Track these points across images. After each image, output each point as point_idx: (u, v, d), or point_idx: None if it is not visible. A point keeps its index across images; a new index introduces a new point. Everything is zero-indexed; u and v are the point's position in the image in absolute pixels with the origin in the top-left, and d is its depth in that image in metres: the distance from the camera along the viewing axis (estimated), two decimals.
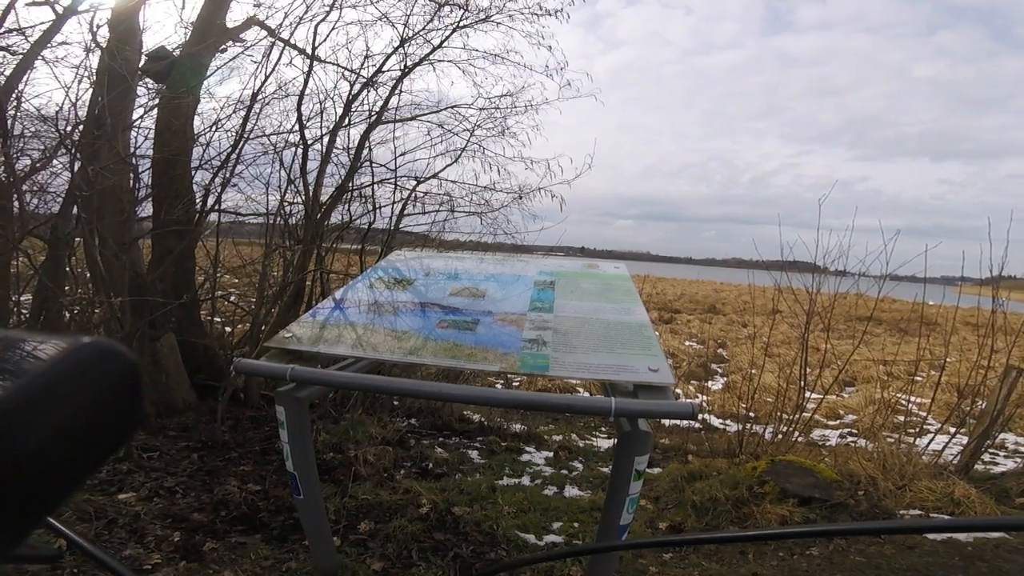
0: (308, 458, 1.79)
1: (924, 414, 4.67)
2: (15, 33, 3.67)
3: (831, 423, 5.31)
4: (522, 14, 4.42)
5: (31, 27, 3.69)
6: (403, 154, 4.58)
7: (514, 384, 5.84)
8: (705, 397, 5.76)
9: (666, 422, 4.71)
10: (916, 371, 4.65)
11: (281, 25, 4.25)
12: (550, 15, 4.43)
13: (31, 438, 0.24)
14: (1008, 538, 2.54)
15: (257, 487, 2.65)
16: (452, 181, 4.67)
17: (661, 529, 2.61)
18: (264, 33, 4.30)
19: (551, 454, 3.73)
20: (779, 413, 4.03)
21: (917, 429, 4.23)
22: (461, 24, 4.35)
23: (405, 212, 4.62)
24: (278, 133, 4.34)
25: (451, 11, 4.33)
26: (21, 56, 3.67)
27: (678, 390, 6.15)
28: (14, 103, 3.57)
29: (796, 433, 3.93)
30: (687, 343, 9.28)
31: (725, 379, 6.52)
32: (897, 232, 4.16)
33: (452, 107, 4.69)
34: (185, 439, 3.18)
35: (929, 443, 3.87)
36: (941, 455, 3.69)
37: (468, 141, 4.60)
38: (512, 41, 4.52)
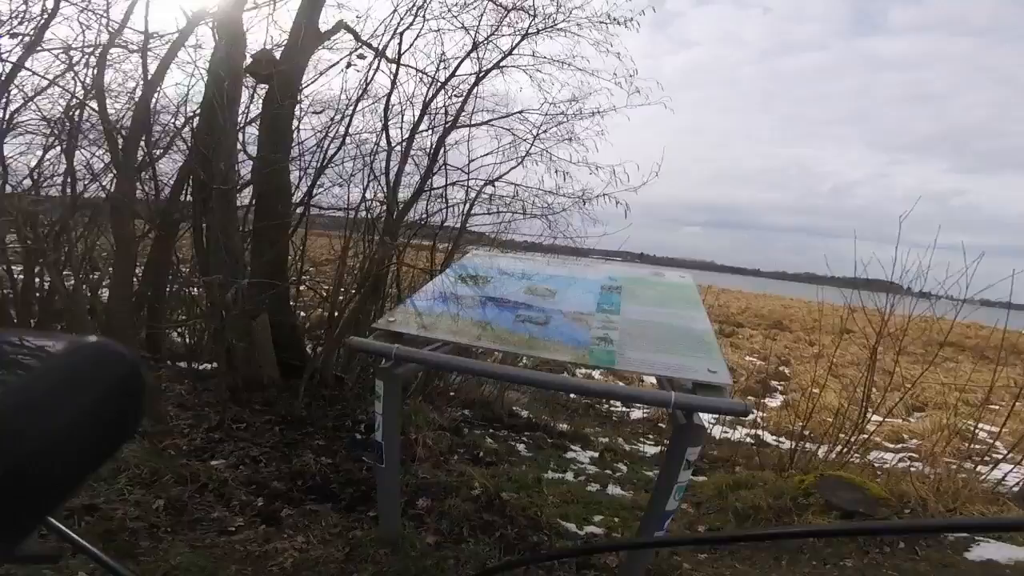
0: (395, 431, 2.07)
1: (992, 441, 4.41)
2: (153, 37, 4.22)
3: (892, 446, 5.10)
4: (589, 21, 4.49)
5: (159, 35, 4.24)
6: (475, 159, 4.84)
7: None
8: (762, 414, 5.67)
9: (717, 435, 4.80)
10: (989, 398, 4.37)
11: (367, 32, 4.63)
12: (619, 23, 4.48)
13: (32, 438, 0.23)
14: None
15: (329, 460, 2.90)
16: (518, 184, 4.81)
17: (700, 531, 2.71)
18: (351, 38, 4.70)
19: (596, 454, 3.88)
20: (837, 433, 3.96)
21: (983, 457, 4.03)
22: (529, 31, 4.51)
23: (472, 212, 4.88)
24: (360, 134, 4.74)
25: (519, 18, 4.50)
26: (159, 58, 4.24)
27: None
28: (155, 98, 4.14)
29: (852, 453, 3.86)
30: (748, 358, 9.04)
31: (784, 397, 6.36)
32: (981, 254, 3.93)
33: (520, 112, 4.87)
34: (269, 413, 3.47)
35: (991, 470, 3.68)
36: (1001, 482, 3.52)
37: (532, 145, 4.74)
38: (579, 46, 4.61)
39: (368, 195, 4.75)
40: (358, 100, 4.49)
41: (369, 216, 4.72)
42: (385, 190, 4.69)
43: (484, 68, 4.62)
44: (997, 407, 4.55)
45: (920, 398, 6.44)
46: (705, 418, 5.14)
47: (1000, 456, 3.91)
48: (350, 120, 4.63)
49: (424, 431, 3.42)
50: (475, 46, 4.54)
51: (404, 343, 1.93)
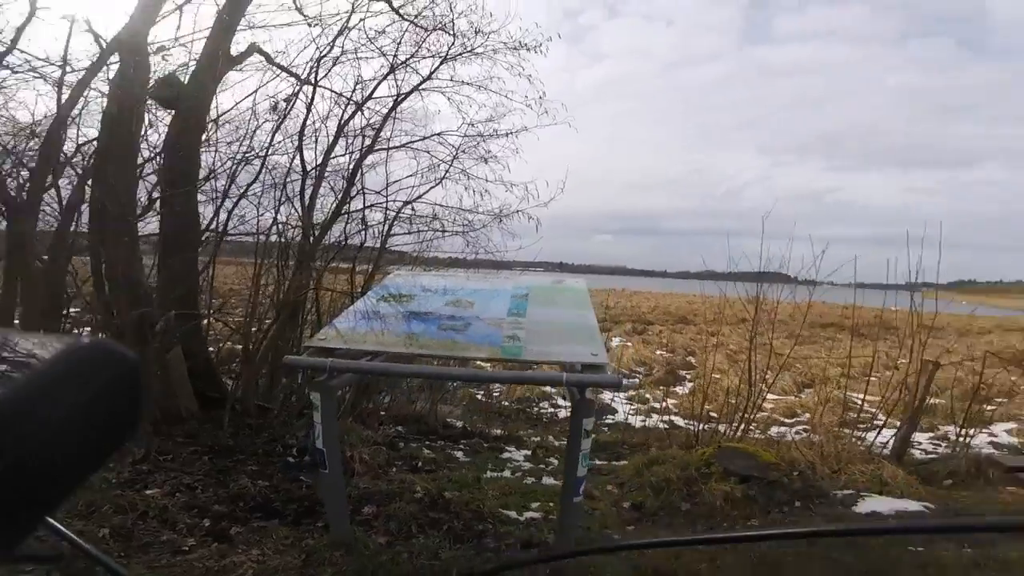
0: (335, 438, 2.27)
1: (874, 410, 5.11)
2: (59, 65, 3.96)
3: (787, 420, 5.75)
4: (505, 46, 4.72)
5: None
6: (395, 181, 4.91)
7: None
8: (672, 401, 6.17)
9: (636, 424, 5.25)
10: (871, 372, 5.07)
11: (288, 59, 4.61)
12: (528, 49, 4.74)
13: (32, 438, 0.23)
14: (927, 511, 2.98)
15: (266, 483, 2.95)
16: (437, 204, 4.90)
17: (624, 507, 3.01)
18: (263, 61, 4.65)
19: (529, 452, 4.13)
20: (735, 412, 4.43)
21: (867, 424, 4.68)
22: (448, 56, 4.69)
23: (392, 232, 4.93)
24: (271, 156, 4.68)
25: (439, 40, 4.66)
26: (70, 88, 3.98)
27: (628, 381, 6.88)
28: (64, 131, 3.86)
29: (751, 429, 4.36)
30: (658, 352, 9.72)
31: (691, 384, 6.97)
32: (827, 244, 4.61)
33: (438, 135, 5.00)
34: (193, 444, 3.43)
35: (876, 435, 4.28)
36: (874, 443, 4.13)
37: (451, 166, 4.85)
38: (495, 68, 4.82)
39: (281, 219, 4.69)
40: (277, 127, 4.45)
41: (283, 241, 4.66)
42: (300, 214, 4.65)
43: (403, 91, 4.73)
44: (875, 378, 5.25)
45: (808, 375, 7.27)
46: (621, 409, 5.53)
47: (879, 423, 4.55)
48: (268, 147, 4.57)
49: (359, 448, 3.49)
50: (392, 69, 4.65)
51: (337, 357, 2.14)
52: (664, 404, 5.88)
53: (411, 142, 4.95)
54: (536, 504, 3.00)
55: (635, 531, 2.72)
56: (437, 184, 4.89)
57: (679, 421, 5.30)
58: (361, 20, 4.58)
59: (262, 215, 4.71)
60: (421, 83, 4.75)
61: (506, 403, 5.92)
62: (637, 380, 7.39)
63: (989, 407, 5.91)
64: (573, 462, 1.99)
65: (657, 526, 2.74)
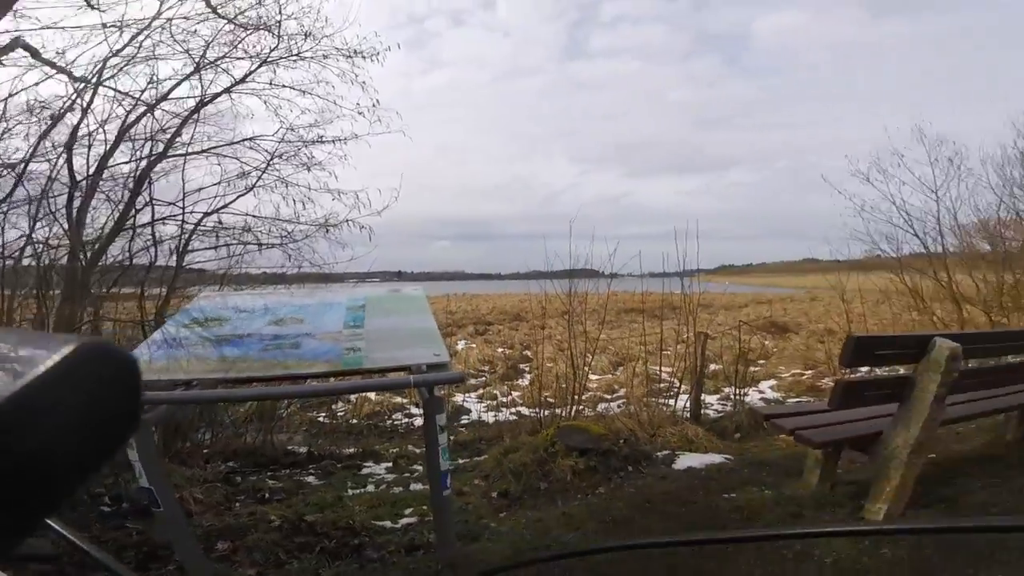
0: (161, 473, 2.03)
1: (672, 380, 6.07)
2: None
3: (608, 396, 6.52)
4: (338, 51, 4.45)
5: None
6: (197, 190, 4.30)
7: None
8: (516, 393, 6.55)
9: (489, 420, 5.49)
10: (662, 347, 5.99)
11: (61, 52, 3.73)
12: (364, 57, 4.52)
13: (31, 438, 0.23)
14: (728, 461, 3.59)
15: (87, 534, 2.43)
16: (249, 214, 4.43)
17: (493, 497, 3.12)
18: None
19: (391, 464, 4.03)
20: (567, 395, 4.90)
21: (669, 392, 5.54)
22: (270, 59, 4.29)
23: (190, 248, 4.33)
24: (29, 164, 3.77)
25: (260, 41, 4.23)
26: None
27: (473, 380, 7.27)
28: None
29: (582, 408, 4.86)
30: (500, 350, 10.19)
31: (530, 375, 7.47)
32: (617, 242, 5.41)
33: (251, 139, 4.53)
34: None
35: (676, 401, 5.11)
36: (676, 408, 4.93)
37: (264, 172, 4.42)
38: (325, 73, 4.51)
39: (40, 238, 3.79)
40: (46, 132, 3.56)
41: (43, 263, 3.79)
42: (66, 230, 3.82)
43: (211, 93, 4.18)
44: (669, 352, 6.24)
45: (619, 355, 8.30)
46: (474, 408, 5.68)
47: (676, 390, 5.41)
48: (30, 155, 3.64)
49: (187, 488, 3.09)
50: (199, 68, 4.07)
51: (146, 389, 1.81)
52: (510, 397, 6.20)
53: (216, 147, 4.41)
54: (409, 510, 2.98)
55: (505, 516, 2.84)
56: (247, 192, 4.43)
57: (525, 411, 5.65)
58: (168, 20, 3.94)
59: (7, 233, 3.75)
60: (234, 85, 4.27)
61: (354, 421, 5.64)
62: (485, 378, 7.66)
63: (754, 368, 7.46)
64: (435, 458, 2.04)
65: (524, 507, 2.91)
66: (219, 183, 4.37)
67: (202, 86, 4.21)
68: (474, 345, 11.32)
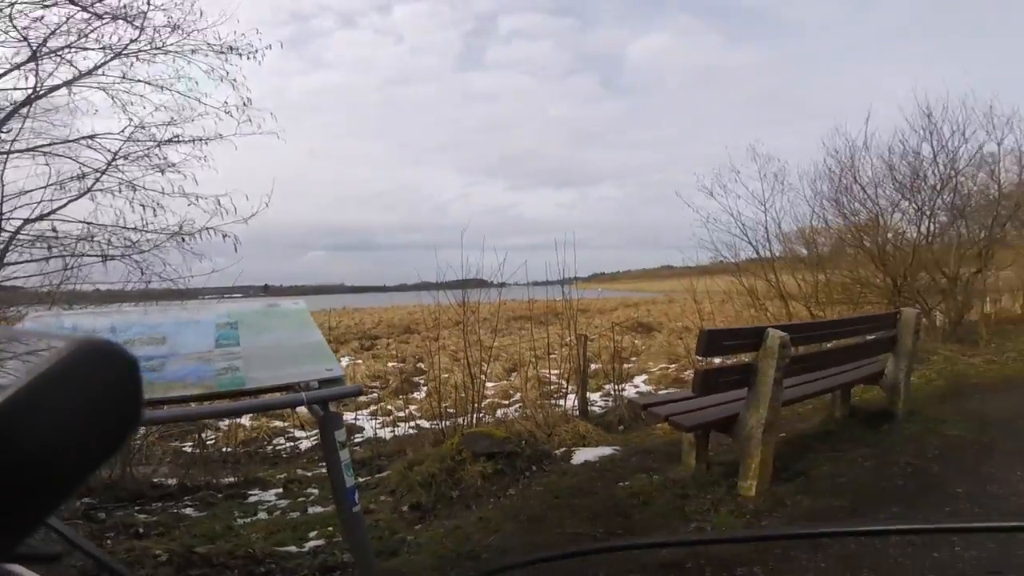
0: None
1: (562, 381, 6.46)
2: None
3: (506, 402, 6.75)
4: (209, 46, 4.07)
5: None
6: (16, 195, 3.65)
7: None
8: (413, 407, 6.48)
9: (387, 436, 5.36)
10: (549, 351, 6.35)
11: None
12: (240, 55, 4.20)
13: (32, 438, 0.23)
14: (617, 452, 3.88)
15: None
16: (84, 221, 3.88)
17: (404, 510, 3.08)
18: None
19: (281, 489, 3.76)
20: (469, 403, 4.99)
21: (559, 393, 5.89)
22: (127, 52, 3.80)
23: (5, 261, 3.69)
24: None
25: (116, 31, 3.72)
26: None
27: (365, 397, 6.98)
28: None
29: (484, 415, 4.99)
30: (390, 364, 9.96)
31: (427, 387, 7.43)
32: (506, 253, 5.72)
33: (90, 137, 3.96)
34: None
35: (566, 400, 5.45)
36: (566, 407, 5.28)
37: (103, 174, 3.90)
38: (190, 68, 4.12)
39: None
40: None
41: None
42: None
43: (49, 85, 3.59)
44: (556, 355, 6.63)
45: (511, 361, 8.59)
46: (368, 426, 5.52)
47: (565, 390, 5.77)
48: None
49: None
50: (34, 57, 3.49)
51: None
52: (407, 411, 6.11)
53: (46, 146, 3.80)
54: (314, 533, 2.84)
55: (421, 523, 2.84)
56: (81, 196, 3.88)
57: (425, 423, 5.62)
58: (10, 4, 3.35)
59: None
60: (78, 77, 3.75)
61: (228, 449, 5.16)
62: (376, 394, 7.45)
63: (627, 365, 8.20)
64: (338, 475, 1.95)
65: (439, 517, 2.93)
66: (47, 187, 3.78)
67: (38, 77, 3.63)
68: (360, 361, 10.91)
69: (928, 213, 8.27)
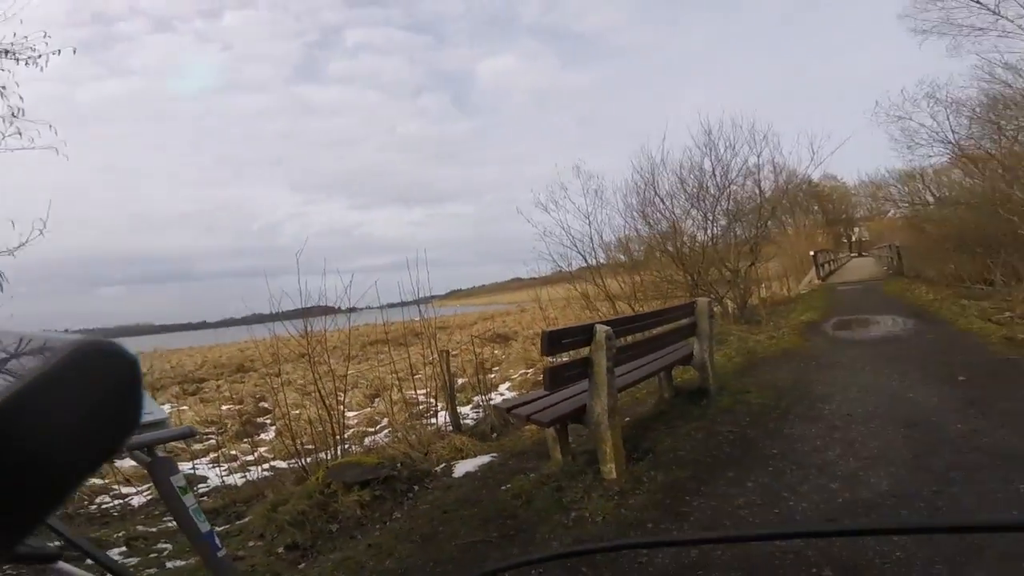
0: None
1: (431, 399, 6.42)
2: None
3: (372, 428, 6.47)
4: None
5: None
6: None
7: None
8: (263, 448, 5.86)
9: (237, 482, 4.72)
10: (413, 372, 6.31)
11: None
12: (18, 60, 3.54)
13: (32, 438, 0.23)
14: (495, 459, 3.94)
15: None
16: None
17: (281, 552, 2.82)
18: None
19: (125, 548, 3.15)
20: (329, 436, 4.68)
21: (429, 411, 5.84)
22: None
23: None
24: None
25: None
26: None
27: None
28: None
29: (349, 446, 4.73)
30: (225, 407, 8.84)
31: (274, 426, 6.78)
32: (352, 275, 5.57)
33: None
34: None
35: (437, 417, 5.42)
36: (439, 424, 5.28)
37: None
38: None
39: None
40: None
41: None
42: None
43: None
44: (421, 375, 6.57)
45: (373, 387, 8.29)
46: (211, 474, 4.84)
47: (435, 408, 5.73)
48: None
49: None
50: None
51: None
52: (257, 453, 5.49)
53: None
54: None
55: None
56: None
57: (280, 463, 5.11)
58: None
59: None
60: None
61: None
62: (214, 440, 6.53)
63: (491, 375, 8.48)
64: (189, 523, 1.73)
65: (323, 552, 2.71)
66: None
67: None
68: (186, 407, 9.48)
69: (711, 218, 10.10)
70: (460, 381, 7.17)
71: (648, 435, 3.80)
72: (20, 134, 3.67)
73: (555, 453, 3.56)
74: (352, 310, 5.49)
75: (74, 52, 3.89)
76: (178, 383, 12.65)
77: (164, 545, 3.25)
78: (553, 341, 3.11)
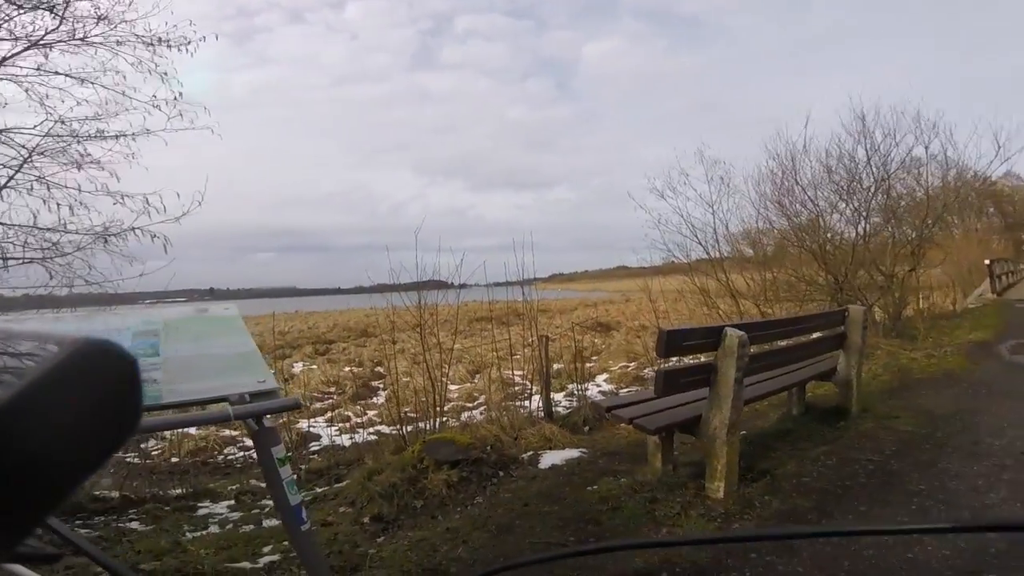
0: None
1: (527, 383, 6.39)
2: None
3: (470, 404, 6.63)
4: (137, 38, 3.77)
5: None
6: None
7: None
8: (372, 412, 6.27)
9: (347, 444, 5.12)
10: (511, 352, 6.30)
11: None
12: (170, 47, 3.92)
13: (32, 437, 0.23)
14: (584, 455, 3.84)
15: None
16: None
17: (365, 522, 2.92)
18: None
19: (232, 501, 3.56)
20: (431, 407, 4.85)
21: (523, 394, 5.81)
22: (43, 42, 3.46)
23: None
24: None
25: (34, 21, 3.39)
26: None
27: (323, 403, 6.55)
28: None
29: (446, 419, 4.86)
30: (347, 369, 9.65)
31: (386, 392, 7.22)
32: (464, 253, 5.63)
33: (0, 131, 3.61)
34: None
35: (530, 402, 5.38)
36: (531, 409, 5.22)
37: (18, 171, 3.58)
38: (116, 61, 3.80)
39: None
40: None
41: None
42: None
43: None
44: (519, 356, 6.57)
45: (474, 363, 8.49)
46: (324, 433, 5.28)
47: (530, 392, 5.70)
48: None
49: None
50: None
51: None
52: (366, 417, 5.89)
53: None
54: (268, 548, 2.66)
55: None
56: None
57: (385, 429, 5.43)
58: None
59: None
60: None
61: (175, 459, 4.84)
62: (332, 400, 7.16)
63: (589, 364, 8.26)
64: (281, 495, 1.78)
65: (403, 528, 2.79)
66: None
67: None
68: (315, 367, 10.51)
69: (864, 214, 8.73)
70: (556, 367, 7.05)
71: (767, 454, 3.39)
72: (181, 116, 4.11)
73: (655, 461, 3.27)
74: (462, 286, 5.70)
75: (216, 38, 4.31)
76: (312, 343, 14.09)
77: (267, 502, 3.56)
78: (672, 342, 2.82)
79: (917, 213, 8.97)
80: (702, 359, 3.60)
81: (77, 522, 3.22)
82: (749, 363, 2.97)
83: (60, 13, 3.49)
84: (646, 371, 7.85)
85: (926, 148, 8.63)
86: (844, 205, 8.87)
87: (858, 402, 4.16)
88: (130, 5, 3.74)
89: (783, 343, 4.30)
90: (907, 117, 8.58)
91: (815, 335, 4.32)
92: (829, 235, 8.95)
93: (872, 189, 8.64)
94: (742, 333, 2.87)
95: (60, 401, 0.25)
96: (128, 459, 4.63)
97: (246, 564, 2.48)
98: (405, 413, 4.91)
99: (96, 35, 3.67)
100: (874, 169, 8.61)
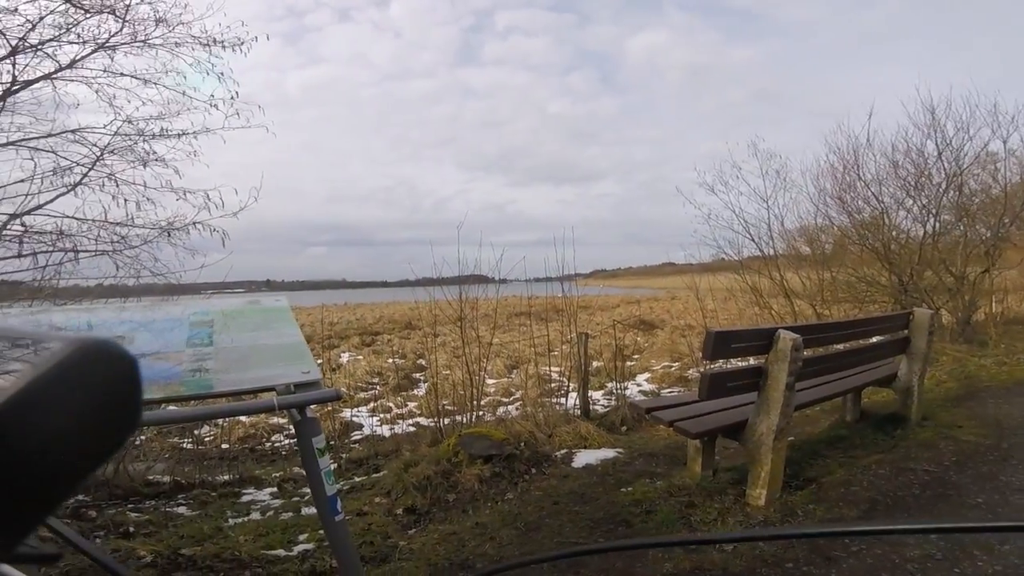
0: None
1: (563, 379, 6.35)
2: None
3: (506, 399, 6.65)
4: (194, 39, 3.97)
5: None
6: (3, 186, 3.57)
7: None
8: (413, 404, 6.40)
9: (386, 434, 5.31)
10: (549, 348, 6.26)
11: None
12: (225, 47, 4.09)
13: (32, 438, 0.23)
14: (620, 455, 3.80)
15: None
16: (69, 216, 3.76)
17: (399, 513, 2.98)
18: None
19: (275, 489, 3.71)
20: (468, 401, 4.90)
21: (560, 391, 5.78)
22: (108, 44, 3.71)
23: None
24: None
25: (99, 25, 3.65)
26: None
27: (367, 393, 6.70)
28: None
29: (482, 413, 4.89)
30: (391, 360, 9.88)
31: (426, 384, 7.35)
32: (503, 249, 5.60)
33: (75, 131, 3.84)
34: None
35: (567, 399, 5.34)
36: (567, 406, 5.17)
37: (91, 168, 3.79)
38: (176, 62, 4.01)
39: None
40: None
41: None
42: None
43: (24, 79, 3.50)
44: (557, 352, 6.54)
45: (512, 358, 8.50)
46: (366, 422, 5.43)
47: (567, 389, 5.67)
48: None
49: None
50: (13, 52, 3.42)
51: None
52: (406, 408, 6.03)
53: (27, 140, 3.70)
54: (304, 536, 2.76)
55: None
56: (70, 191, 3.77)
57: (423, 421, 5.53)
58: None
59: None
60: (57, 71, 3.63)
61: (225, 445, 5.09)
62: (376, 390, 7.37)
63: (629, 363, 8.10)
64: (318, 484, 1.84)
65: (434, 521, 2.84)
66: (24, 180, 3.67)
67: (14, 71, 3.55)
68: (360, 357, 10.84)
69: (934, 211, 8.13)
70: (595, 364, 6.95)
71: (815, 462, 3.23)
72: (238, 114, 4.28)
73: (694, 465, 3.18)
74: (503, 281, 5.73)
75: (268, 39, 4.45)
76: (359, 334, 14.53)
77: (307, 490, 3.68)
78: (720, 343, 2.69)
79: (993, 211, 8.28)
80: (751, 361, 3.46)
81: (129, 505, 3.41)
82: (802, 368, 2.83)
83: (122, 16, 3.69)
84: (690, 372, 7.64)
85: (1004, 142, 7.93)
86: (911, 202, 8.28)
87: (918, 410, 3.90)
88: (186, 8, 3.93)
89: (840, 347, 4.09)
90: (982, 109, 7.89)
91: (874, 339, 4.08)
92: (894, 233, 8.40)
93: (943, 185, 8.02)
94: (796, 336, 2.74)
95: (60, 401, 0.25)
96: (183, 445, 4.93)
97: (281, 551, 2.58)
98: (443, 406, 4.98)
99: (156, 37, 3.87)
100: (945, 164, 7.99)
